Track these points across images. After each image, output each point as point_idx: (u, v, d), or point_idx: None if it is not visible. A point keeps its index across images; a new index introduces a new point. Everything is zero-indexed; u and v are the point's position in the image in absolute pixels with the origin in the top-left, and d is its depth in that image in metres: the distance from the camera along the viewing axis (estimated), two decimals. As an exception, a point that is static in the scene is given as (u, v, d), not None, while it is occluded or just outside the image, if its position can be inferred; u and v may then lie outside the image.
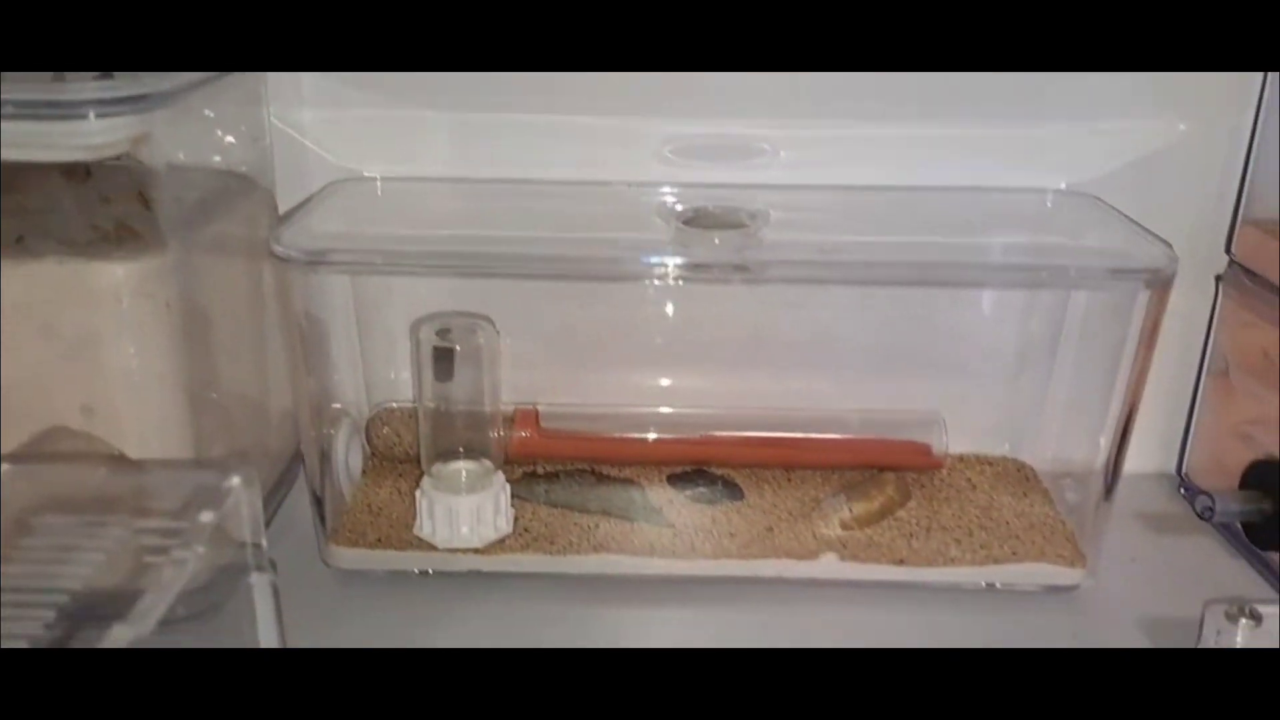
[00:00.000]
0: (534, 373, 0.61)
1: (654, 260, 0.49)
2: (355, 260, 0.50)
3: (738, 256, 0.50)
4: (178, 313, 0.47)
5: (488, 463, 0.55)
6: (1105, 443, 0.52)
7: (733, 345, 0.61)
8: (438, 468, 0.54)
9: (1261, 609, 0.45)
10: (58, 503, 0.39)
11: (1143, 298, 0.48)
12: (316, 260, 0.48)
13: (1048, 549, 0.54)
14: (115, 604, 0.39)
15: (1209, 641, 0.46)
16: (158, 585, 0.34)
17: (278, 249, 0.48)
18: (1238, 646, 0.45)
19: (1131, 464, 0.63)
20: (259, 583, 0.40)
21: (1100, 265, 0.49)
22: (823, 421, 0.61)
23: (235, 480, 0.39)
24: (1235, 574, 0.55)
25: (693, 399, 0.62)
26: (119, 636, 0.31)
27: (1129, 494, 0.61)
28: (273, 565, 0.41)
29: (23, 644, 0.32)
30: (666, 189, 0.56)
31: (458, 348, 0.52)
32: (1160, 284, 0.47)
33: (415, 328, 0.54)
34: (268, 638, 0.41)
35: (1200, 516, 0.55)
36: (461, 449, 0.55)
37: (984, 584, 0.53)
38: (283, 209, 0.57)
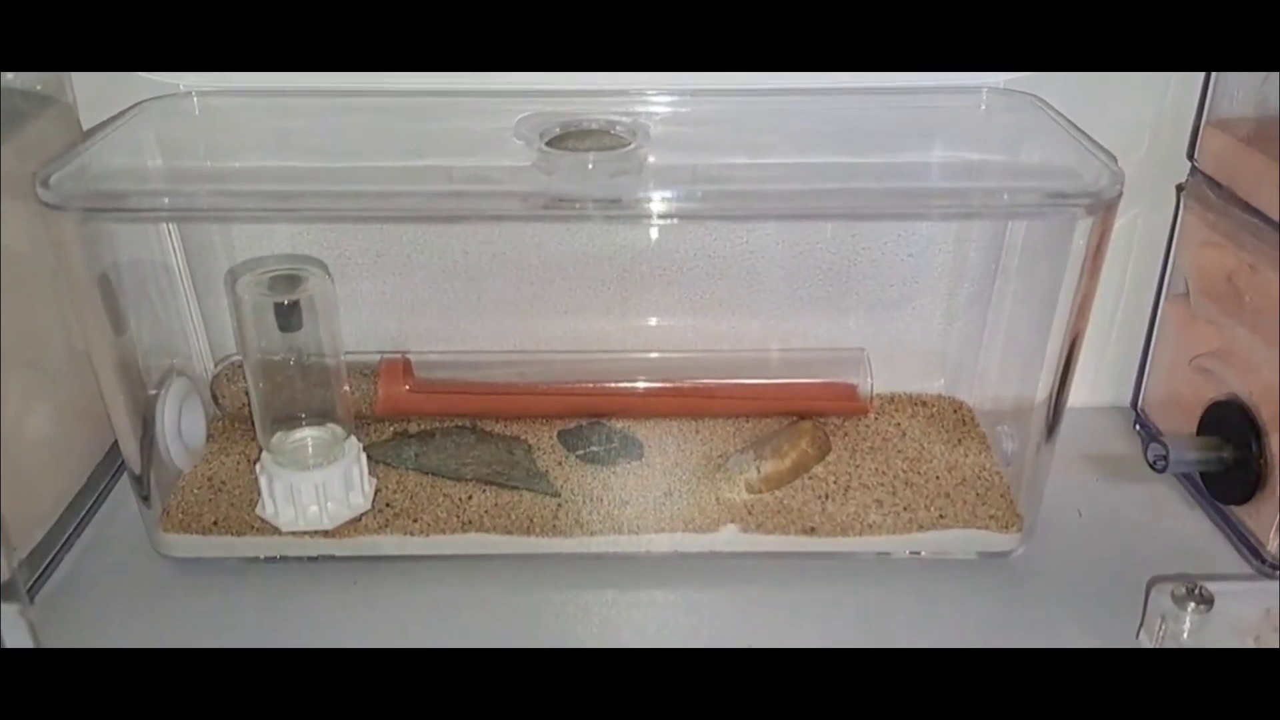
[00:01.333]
0: (402, 319, 0.53)
1: (506, 194, 0.41)
2: (140, 208, 0.42)
3: (611, 187, 0.42)
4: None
5: (336, 428, 0.47)
6: (1045, 381, 0.45)
7: (632, 278, 0.53)
8: (279, 438, 0.47)
9: (1213, 588, 0.39)
10: None
11: (1083, 224, 0.40)
12: (96, 208, 0.40)
13: (980, 509, 0.47)
14: None
15: (1153, 629, 0.39)
16: None
17: (45, 195, 0.39)
18: (1184, 636, 0.38)
19: (1082, 397, 0.57)
20: (7, 614, 0.33)
21: (1033, 190, 0.41)
22: (735, 364, 0.54)
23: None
24: (1193, 531, 0.49)
25: (589, 342, 0.54)
26: None
27: (1078, 432, 0.54)
28: (29, 597, 0.34)
29: None
30: (527, 98, 0.47)
31: (284, 301, 0.44)
32: (1102, 208, 0.40)
33: (231, 280, 0.46)
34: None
35: (1152, 467, 0.48)
36: (303, 415, 0.47)
37: (907, 553, 0.47)
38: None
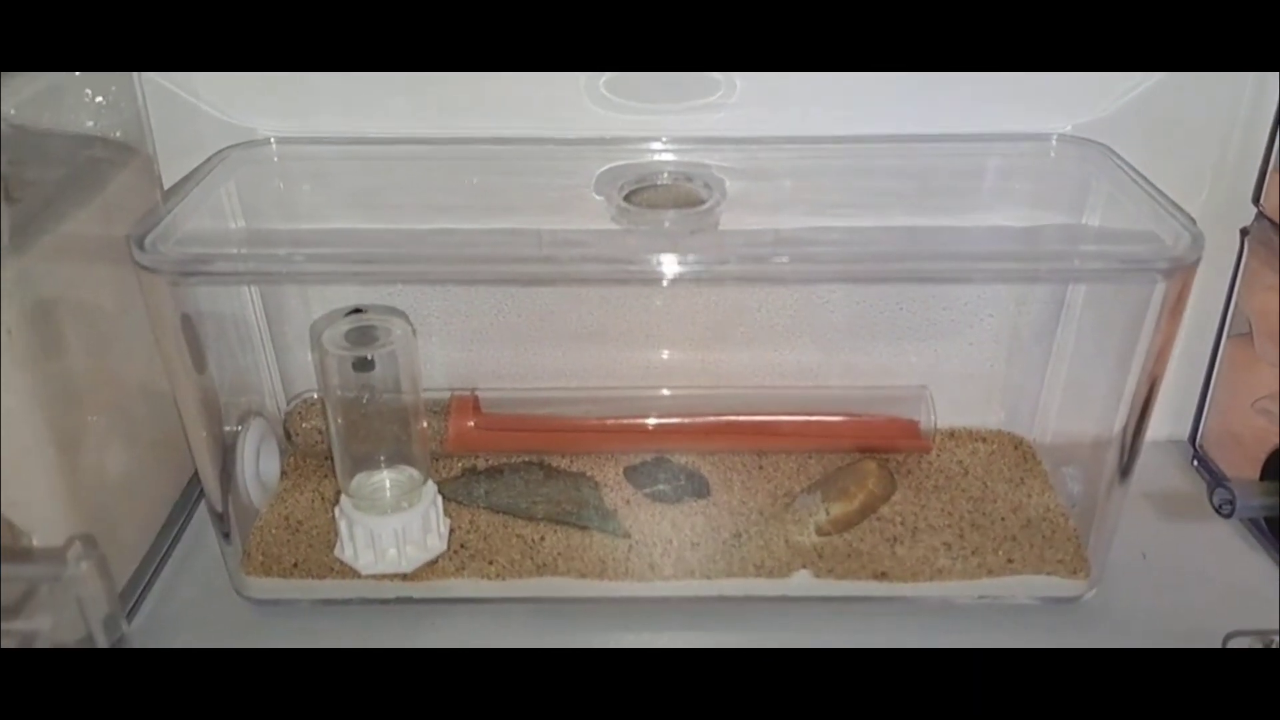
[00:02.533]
0: (470, 354, 0.54)
1: (590, 267, 0.42)
2: (235, 271, 0.42)
3: (690, 262, 0.42)
4: (22, 335, 0.40)
5: (414, 472, 0.48)
6: (1119, 424, 0.45)
7: (698, 317, 0.54)
8: (358, 481, 0.48)
9: (1292, 644, 0.40)
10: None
11: (1160, 287, 0.41)
12: (188, 272, 0.41)
13: (1047, 553, 0.48)
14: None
15: (1232, 686, 0.40)
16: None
17: (140, 258, 0.40)
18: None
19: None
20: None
21: (1109, 255, 0.42)
22: (798, 401, 0.55)
23: (79, 567, 0.33)
24: (1259, 575, 0.49)
25: (653, 379, 0.55)
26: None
27: (1136, 466, 0.55)
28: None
29: None
30: (603, 145, 0.48)
31: (369, 356, 0.45)
32: (1182, 271, 0.40)
33: (316, 332, 0.47)
34: None
35: (1218, 511, 0.48)
36: (382, 458, 0.48)
37: (976, 597, 0.48)
38: (167, 177, 0.49)
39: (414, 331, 0.47)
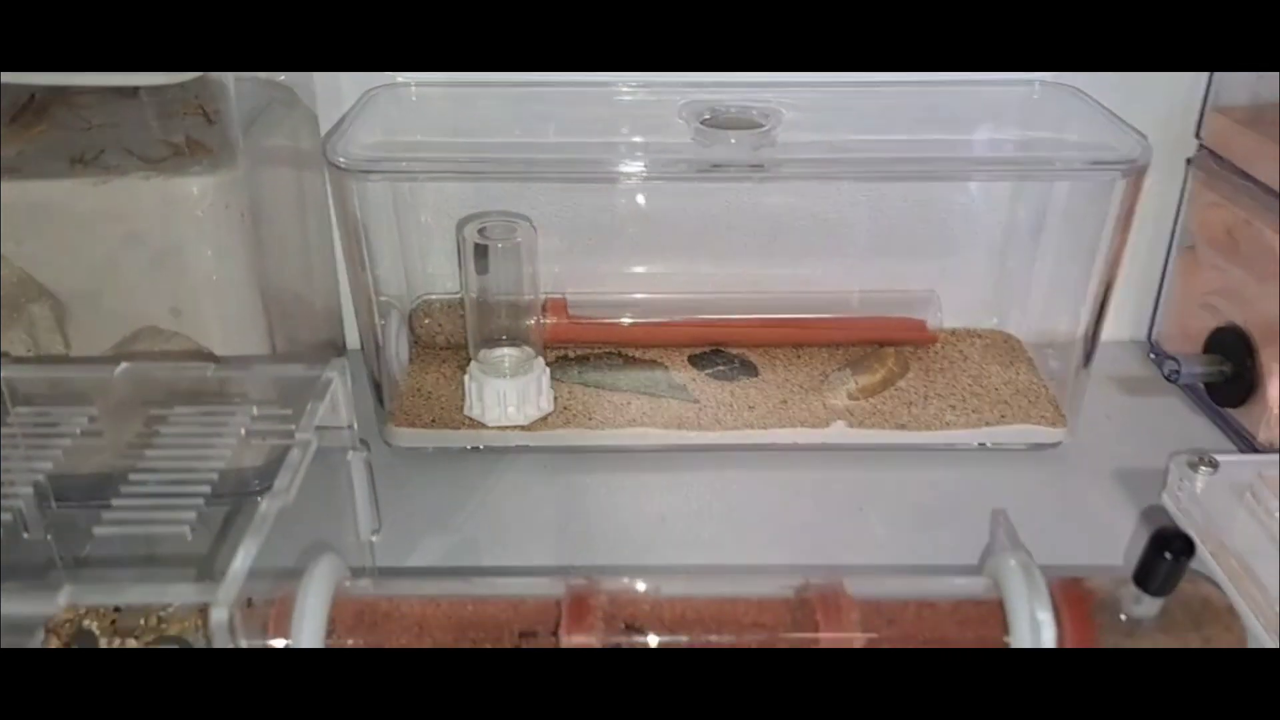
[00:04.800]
0: (563, 264, 0.66)
1: (677, 159, 0.54)
2: (407, 169, 0.55)
3: (755, 156, 0.55)
4: (249, 220, 0.51)
5: (528, 349, 0.60)
6: (1085, 315, 0.58)
7: (746, 235, 0.66)
8: (484, 354, 0.60)
9: (1219, 458, 0.52)
10: (176, 397, 0.45)
11: (1120, 185, 0.53)
12: (370, 169, 0.53)
13: (1032, 411, 0.60)
14: (252, 482, 0.45)
15: (1173, 489, 0.52)
16: (290, 465, 0.39)
17: (338, 160, 0.52)
18: (1197, 492, 0.51)
19: (1106, 332, 0.69)
20: (355, 461, 0.46)
21: (1081, 158, 0.54)
22: (828, 302, 0.67)
23: (333, 373, 0.45)
24: (1198, 429, 0.62)
25: (710, 286, 0.67)
26: (267, 510, 0.37)
27: (1104, 360, 0.67)
28: (366, 445, 0.46)
29: (183, 528, 0.37)
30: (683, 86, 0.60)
31: (499, 244, 0.57)
32: (1135, 173, 0.52)
33: (460, 226, 0.59)
34: (364, 510, 0.47)
35: (1167, 379, 0.61)
36: (504, 336, 0.60)
37: (976, 444, 0.60)
38: (321, 118, 0.61)
39: (535, 230, 0.59)
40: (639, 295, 0.67)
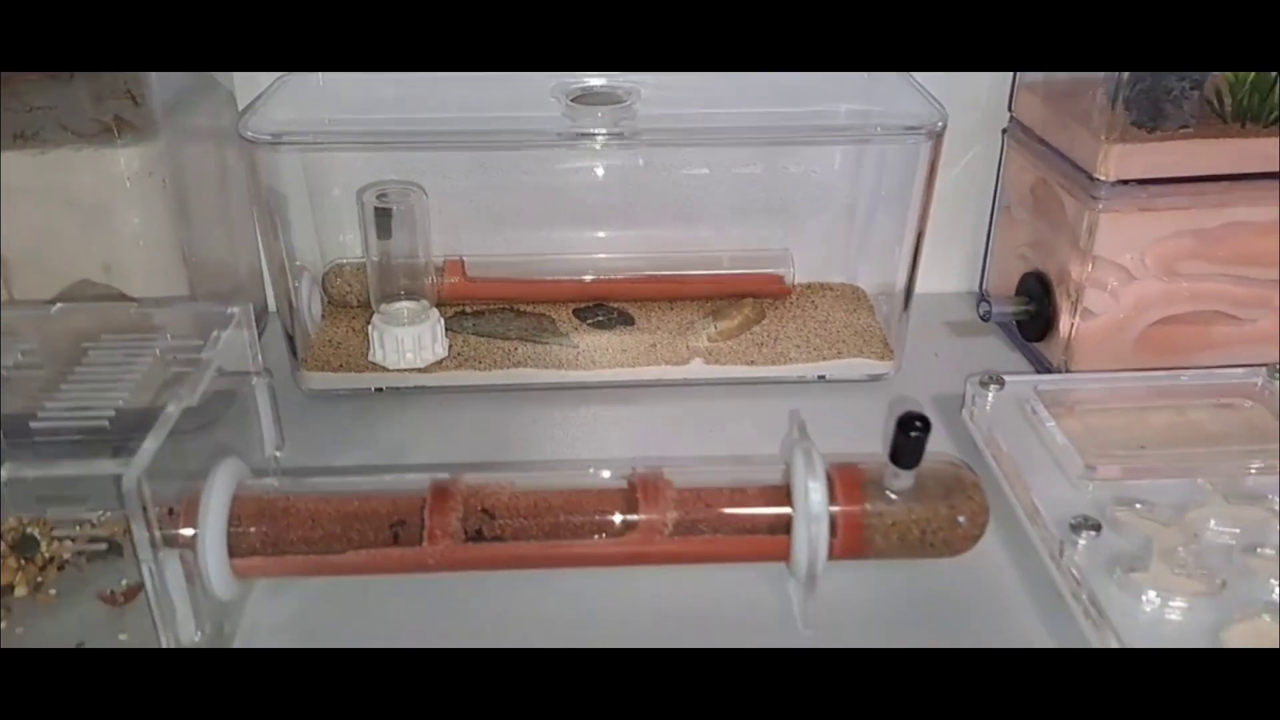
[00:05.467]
0: (464, 231, 0.74)
1: (550, 130, 0.63)
2: (310, 140, 0.63)
3: (618, 126, 0.63)
4: (171, 188, 0.59)
5: (424, 302, 0.68)
6: (902, 264, 0.67)
7: (623, 202, 0.75)
8: (384, 307, 0.68)
9: (1007, 378, 0.61)
10: (103, 331, 0.53)
11: (924, 148, 0.62)
12: (278, 141, 0.61)
13: (866, 349, 0.69)
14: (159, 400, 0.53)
15: (969, 405, 0.62)
16: (191, 384, 0.47)
17: (247, 133, 0.60)
18: (987, 409, 0.61)
19: (945, 284, 0.80)
20: (260, 385, 0.54)
21: (893, 124, 0.64)
22: (701, 261, 0.76)
23: (235, 310, 0.53)
24: (1010, 361, 0.72)
25: (597, 248, 0.76)
26: (173, 410, 0.45)
27: (939, 308, 0.77)
28: (269, 372, 0.54)
29: (104, 421, 0.45)
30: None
31: (395, 208, 0.65)
32: (934, 137, 0.62)
33: (360, 194, 0.67)
34: (269, 429, 0.55)
35: (982, 319, 0.71)
36: (402, 292, 0.68)
37: (816, 377, 0.69)
38: (241, 100, 0.69)
39: (426, 196, 0.67)
40: (532, 256, 0.75)
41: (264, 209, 0.64)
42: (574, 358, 0.69)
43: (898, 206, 0.69)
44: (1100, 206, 0.62)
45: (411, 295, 0.68)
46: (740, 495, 0.49)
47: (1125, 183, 0.62)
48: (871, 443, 0.62)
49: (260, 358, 0.54)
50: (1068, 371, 0.67)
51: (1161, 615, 0.46)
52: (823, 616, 0.49)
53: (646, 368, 0.68)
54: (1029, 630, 0.50)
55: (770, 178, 0.75)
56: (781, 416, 0.66)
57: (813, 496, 0.47)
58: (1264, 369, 0.61)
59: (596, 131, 0.63)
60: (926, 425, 0.46)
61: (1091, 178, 0.63)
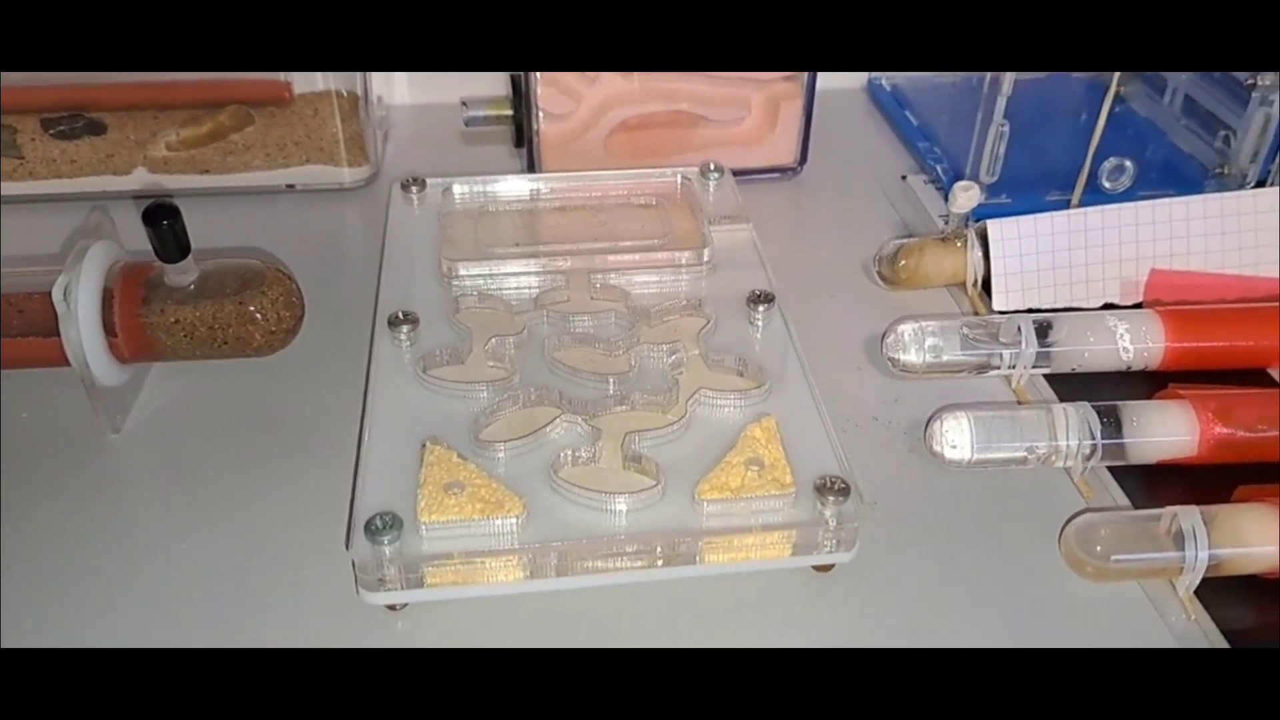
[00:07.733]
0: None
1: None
2: None
3: None
4: None
5: None
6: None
7: None
8: None
9: (431, 180, 0.59)
10: None
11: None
12: None
13: (338, 156, 0.66)
14: None
15: (392, 205, 0.59)
16: None
17: None
18: (415, 211, 0.58)
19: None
20: None
21: None
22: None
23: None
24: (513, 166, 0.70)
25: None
26: None
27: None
28: None
29: None
30: None
31: None
32: None
33: None
34: None
35: (467, 124, 0.67)
36: None
37: (285, 185, 0.65)
38: None
39: None
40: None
41: None
42: (17, 169, 0.64)
43: None
44: None
45: None
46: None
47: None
48: (345, 255, 0.59)
49: None
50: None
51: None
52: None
53: (89, 178, 0.64)
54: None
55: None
56: (246, 229, 0.63)
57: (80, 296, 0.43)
58: (697, 169, 0.60)
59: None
60: (174, 213, 0.43)
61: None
